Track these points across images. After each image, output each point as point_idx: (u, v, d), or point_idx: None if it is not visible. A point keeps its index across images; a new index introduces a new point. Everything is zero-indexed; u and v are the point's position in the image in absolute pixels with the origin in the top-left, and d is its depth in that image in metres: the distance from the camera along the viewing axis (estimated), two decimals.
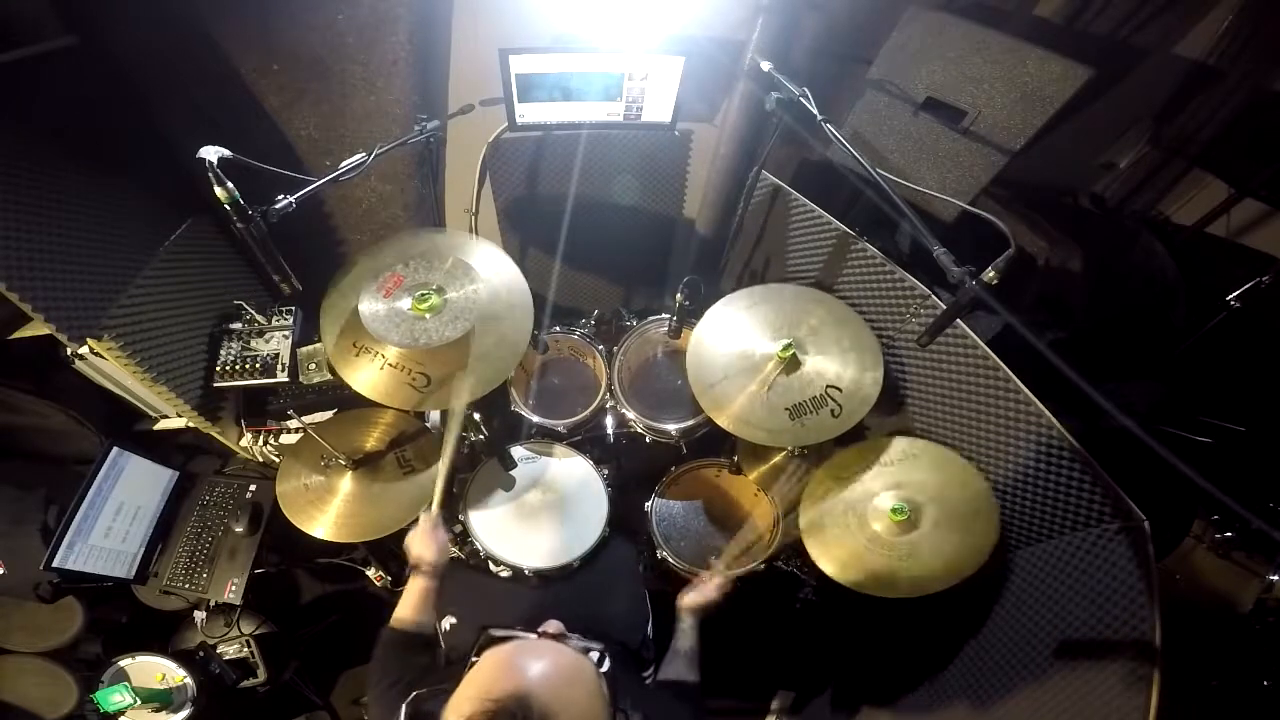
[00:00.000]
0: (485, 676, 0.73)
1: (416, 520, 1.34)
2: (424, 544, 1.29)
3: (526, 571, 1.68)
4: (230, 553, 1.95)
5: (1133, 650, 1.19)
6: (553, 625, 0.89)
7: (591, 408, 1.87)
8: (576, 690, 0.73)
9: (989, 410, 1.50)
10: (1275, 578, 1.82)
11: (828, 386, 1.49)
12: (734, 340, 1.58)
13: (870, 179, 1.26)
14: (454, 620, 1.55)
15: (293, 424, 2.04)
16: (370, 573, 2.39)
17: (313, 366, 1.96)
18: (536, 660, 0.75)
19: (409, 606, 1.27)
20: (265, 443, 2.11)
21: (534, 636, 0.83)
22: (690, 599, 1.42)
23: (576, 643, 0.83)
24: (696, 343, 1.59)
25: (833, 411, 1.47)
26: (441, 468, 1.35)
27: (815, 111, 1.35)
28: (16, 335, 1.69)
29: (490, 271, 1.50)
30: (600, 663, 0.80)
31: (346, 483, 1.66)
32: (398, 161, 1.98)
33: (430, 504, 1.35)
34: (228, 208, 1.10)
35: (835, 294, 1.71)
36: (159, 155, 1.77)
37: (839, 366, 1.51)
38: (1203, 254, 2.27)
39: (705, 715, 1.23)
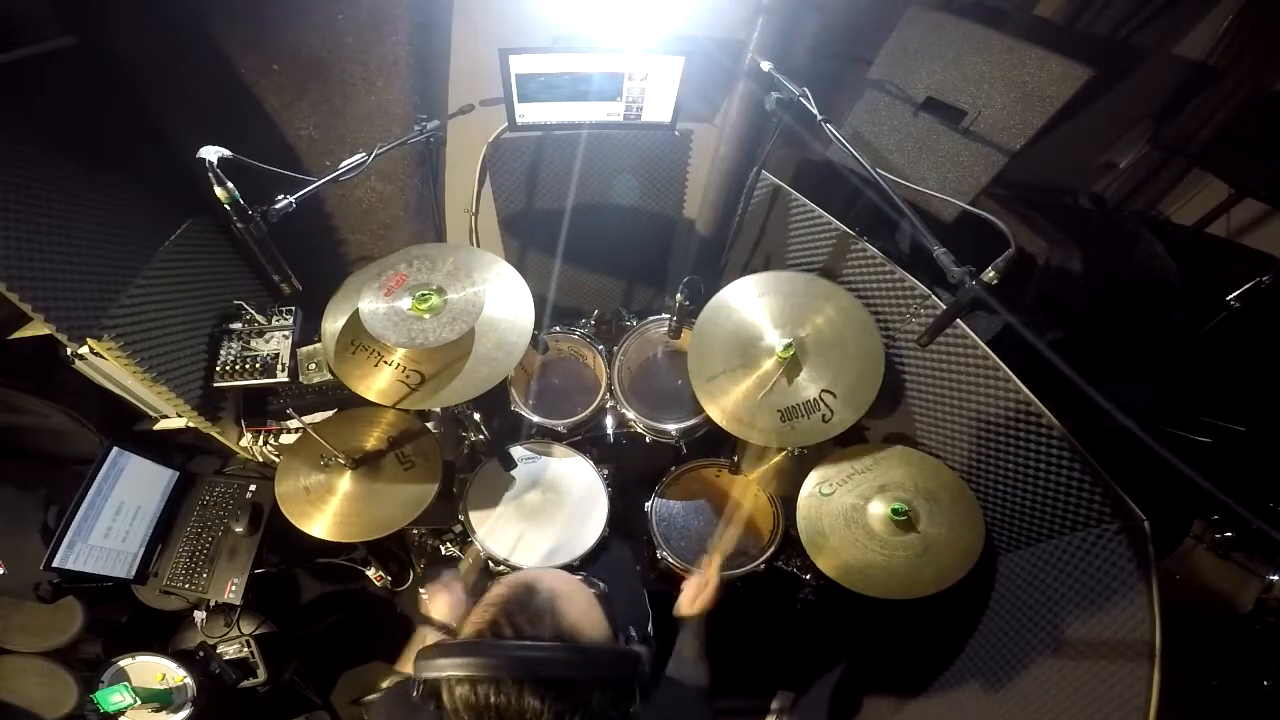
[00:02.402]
0: (494, 586, 0.80)
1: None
2: (438, 601, 1.33)
3: None
4: (230, 553, 1.94)
5: (1133, 650, 1.19)
6: None
7: (591, 408, 1.87)
8: (577, 592, 0.80)
9: (989, 410, 1.50)
10: (1275, 578, 1.82)
11: (823, 391, 1.48)
12: (737, 332, 1.57)
13: (870, 179, 1.26)
14: None
15: (293, 424, 2.04)
16: (370, 573, 2.40)
17: (313, 366, 1.96)
18: (540, 570, 0.85)
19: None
20: (265, 443, 2.11)
21: None
22: (687, 602, 1.40)
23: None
24: (699, 332, 1.59)
25: (824, 417, 1.47)
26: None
27: (815, 111, 1.35)
28: (16, 335, 1.69)
29: (491, 274, 1.50)
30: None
31: (346, 482, 1.66)
32: (398, 161, 1.98)
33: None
34: (228, 208, 1.10)
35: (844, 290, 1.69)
36: (159, 155, 1.77)
37: (838, 371, 1.50)
38: (1203, 254, 2.27)
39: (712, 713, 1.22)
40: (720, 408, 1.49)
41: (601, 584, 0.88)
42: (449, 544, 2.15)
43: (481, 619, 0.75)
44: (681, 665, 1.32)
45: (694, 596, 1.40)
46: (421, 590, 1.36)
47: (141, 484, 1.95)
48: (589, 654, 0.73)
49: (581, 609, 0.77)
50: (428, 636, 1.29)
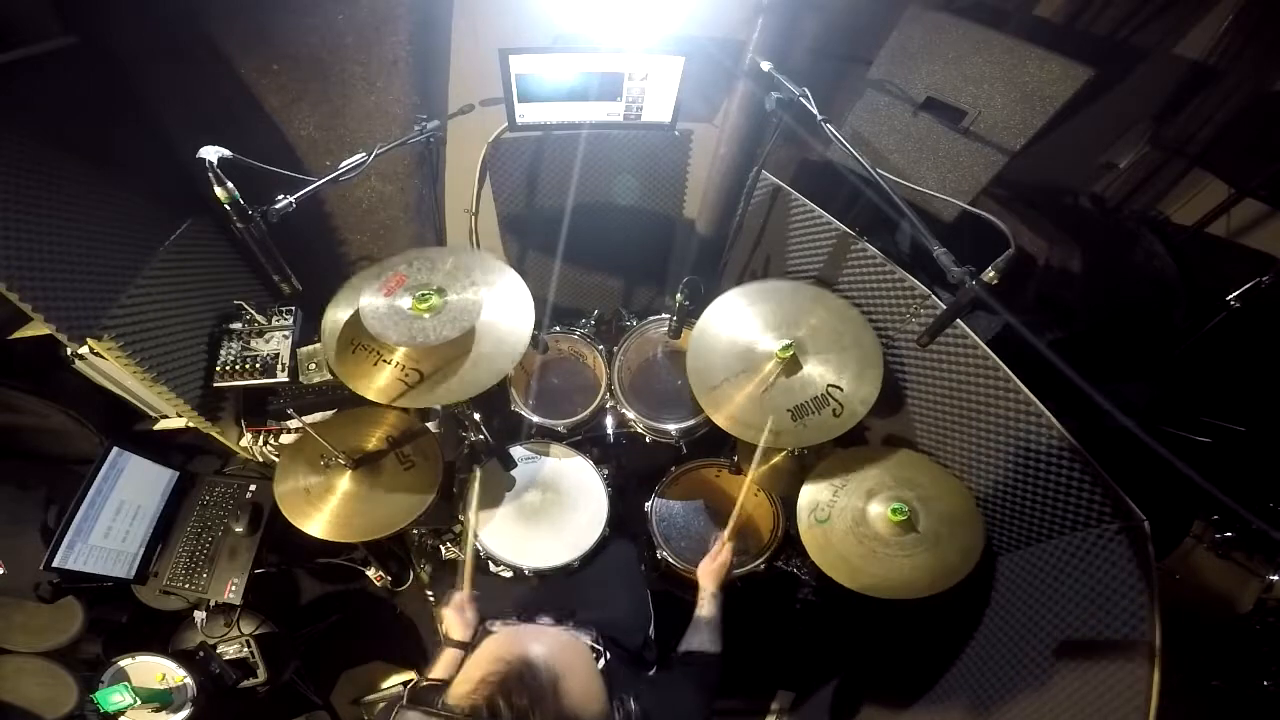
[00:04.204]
0: (490, 649, 0.78)
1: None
2: (452, 622, 1.30)
3: (526, 572, 1.68)
4: (230, 553, 1.94)
5: (1133, 650, 1.19)
6: (545, 619, 0.94)
7: (591, 408, 1.87)
8: (577, 661, 0.79)
9: (989, 410, 1.50)
10: (1275, 578, 1.82)
11: (829, 386, 1.48)
12: (735, 339, 1.57)
13: (870, 179, 1.26)
14: None
15: (293, 424, 2.04)
16: (370, 573, 2.40)
17: (313, 366, 1.96)
18: (538, 634, 0.81)
19: (441, 669, 1.26)
20: (265, 443, 2.11)
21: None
22: (707, 566, 1.42)
23: (570, 629, 0.89)
24: (696, 342, 1.59)
25: (834, 411, 1.47)
26: (468, 559, 1.40)
27: (815, 111, 1.35)
28: (16, 335, 1.69)
29: (491, 276, 1.50)
30: (595, 653, 0.84)
31: (346, 482, 1.66)
32: (398, 161, 1.98)
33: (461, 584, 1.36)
34: (228, 208, 1.10)
35: (835, 293, 1.71)
36: (159, 155, 1.77)
37: (839, 365, 1.50)
38: (1203, 254, 2.27)
39: (714, 695, 1.22)
40: (728, 415, 1.49)
41: (601, 647, 0.87)
42: (449, 544, 2.15)
43: (478, 695, 0.72)
44: (698, 631, 1.32)
45: (708, 560, 1.43)
46: (441, 612, 1.35)
47: (141, 484, 1.95)
48: None
49: (583, 685, 0.76)
50: (449, 653, 1.28)
